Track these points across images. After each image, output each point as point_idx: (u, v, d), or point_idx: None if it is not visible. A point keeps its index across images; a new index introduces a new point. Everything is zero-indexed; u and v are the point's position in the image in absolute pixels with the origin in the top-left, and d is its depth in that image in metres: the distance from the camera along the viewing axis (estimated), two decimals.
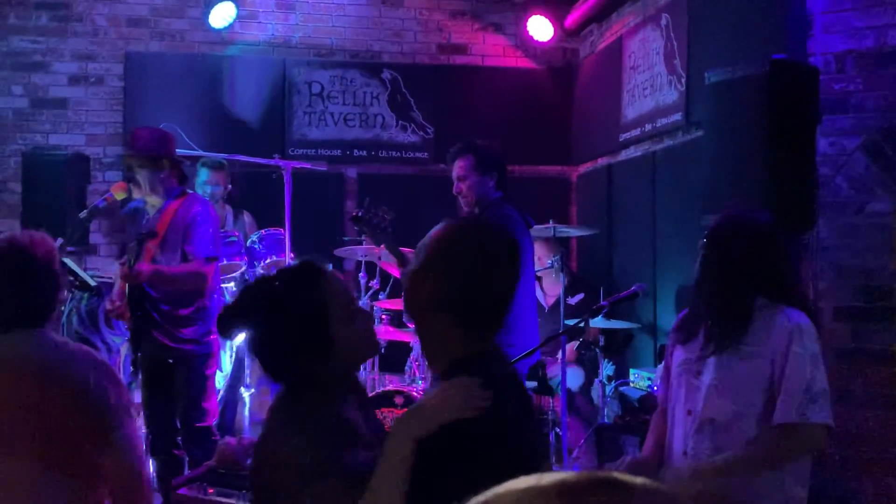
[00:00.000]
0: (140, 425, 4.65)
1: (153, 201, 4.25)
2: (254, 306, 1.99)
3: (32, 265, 2.47)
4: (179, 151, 4.59)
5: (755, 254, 2.60)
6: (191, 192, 4.40)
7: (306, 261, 2.05)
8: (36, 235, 2.55)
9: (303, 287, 1.97)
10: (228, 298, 4.89)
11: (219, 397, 5.05)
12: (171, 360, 4.18)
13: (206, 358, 4.24)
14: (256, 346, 2.02)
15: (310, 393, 1.94)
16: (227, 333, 2.05)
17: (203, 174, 5.55)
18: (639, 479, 0.76)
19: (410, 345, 5.13)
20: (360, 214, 4.04)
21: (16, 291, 2.47)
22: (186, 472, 4.16)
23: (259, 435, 2.03)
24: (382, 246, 4.36)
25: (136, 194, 4.28)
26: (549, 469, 1.82)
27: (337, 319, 1.95)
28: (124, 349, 5.36)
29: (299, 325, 1.93)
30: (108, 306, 4.30)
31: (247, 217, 5.94)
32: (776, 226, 2.72)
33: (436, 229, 1.93)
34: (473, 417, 1.74)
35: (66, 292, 4.54)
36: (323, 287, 1.98)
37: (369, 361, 5.34)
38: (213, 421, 4.28)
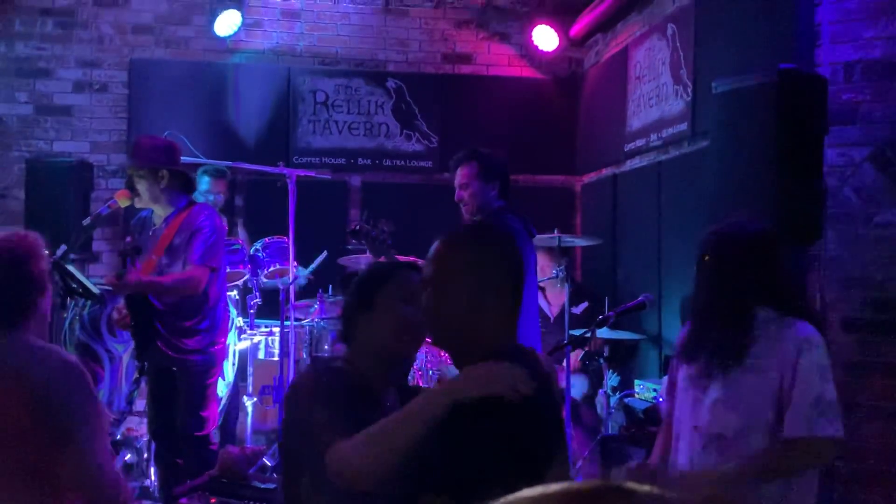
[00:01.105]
0: (139, 432, 4.64)
1: (160, 211, 4.23)
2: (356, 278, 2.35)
3: (6, 265, 2.42)
4: (185, 159, 4.57)
5: (755, 264, 2.57)
6: (198, 202, 4.37)
7: (406, 261, 2.51)
8: (20, 235, 2.50)
9: (379, 268, 2.40)
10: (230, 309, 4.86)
11: (221, 406, 5.02)
12: (174, 369, 4.16)
13: (208, 367, 4.21)
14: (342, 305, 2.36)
15: (349, 360, 2.21)
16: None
17: (203, 183, 5.53)
18: (645, 487, 0.75)
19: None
20: (357, 227, 4.02)
21: None
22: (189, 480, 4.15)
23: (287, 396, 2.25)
24: (382, 259, 4.33)
25: (138, 204, 4.26)
26: (568, 476, 1.85)
27: (381, 303, 2.19)
28: (126, 357, 5.35)
29: (354, 292, 2.26)
30: (115, 315, 4.28)
31: (240, 228, 5.92)
32: (776, 235, 2.69)
33: (441, 246, 1.97)
34: (514, 400, 1.77)
35: (58, 297, 4.49)
36: (389, 274, 2.26)
37: None
38: (212, 429, 4.25)
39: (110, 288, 4.06)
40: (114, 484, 2.42)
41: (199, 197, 5.46)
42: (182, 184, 4.28)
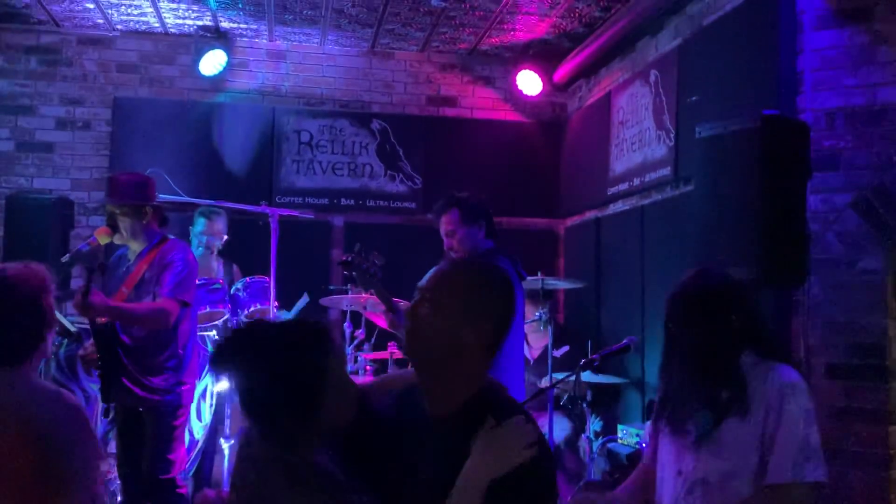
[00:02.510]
0: (112, 474, 4.54)
1: (135, 247, 4.19)
2: (254, 353, 1.95)
3: (12, 301, 2.38)
4: (166, 197, 4.54)
5: (734, 311, 2.55)
6: (171, 237, 4.32)
7: (319, 323, 2.04)
8: (29, 270, 2.46)
9: (309, 350, 1.96)
10: (216, 341, 4.79)
11: (197, 448, 4.93)
12: (140, 409, 4.08)
13: (174, 408, 4.10)
14: (243, 390, 1.97)
15: (284, 440, 1.94)
16: (220, 370, 1.99)
17: (200, 224, 5.49)
18: None
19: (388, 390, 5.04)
20: (348, 259, 4.00)
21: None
22: None
23: (237, 486, 1.99)
24: (371, 293, 4.30)
25: (118, 240, 4.22)
26: None
27: (330, 390, 1.94)
28: (101, 398, 5.25)
29: (294, 386, 1.92)
30: (81, 352, 4.21)
31: (236, 269, 5.87)
32: (739, 280, 2.68)
33: (445, 271, 1.99)
34: (535, 454, 1.82)
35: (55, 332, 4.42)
36: (328, 356, 1.97)
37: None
38: (179, 472, 4.16)
39: (74, 310, 3.97)
40: None
41: (193, 238, 5.43)
42: (160, 220, 4.25)
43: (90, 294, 3.75)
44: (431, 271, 2.01)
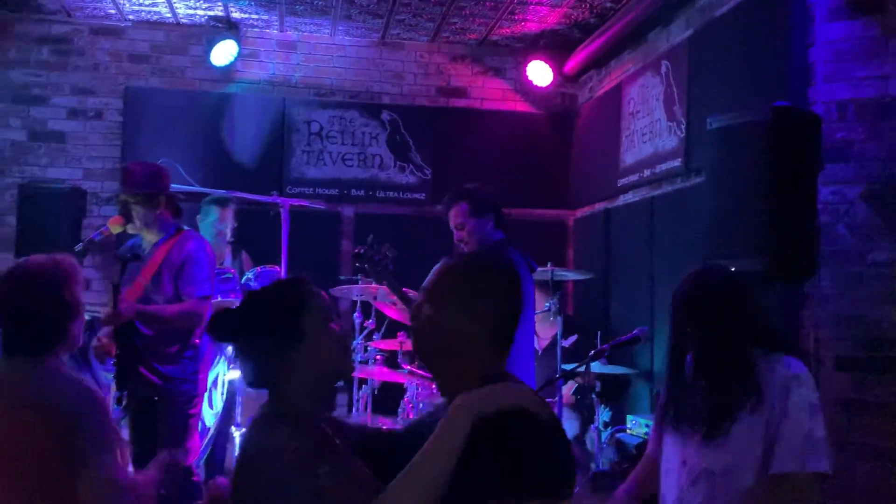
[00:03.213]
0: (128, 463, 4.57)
1: (149, 237, 4.21)
2: (245, 311, 2.05)
3: (35, 292, 2.41)
4: (178, 187, 4.56)
5: (737, 309, 2.57)
6: (186, 228, 4.34)
7: (299, 275, 2.13)
8: (52, 261, 2.50)
9: (285, 285, 2.09)
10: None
11: (209, 436, 4.97)
12: (155, 398, 4.11)
13: (190, 397, 4.14)
14: (239, 353, 2.07)
15: (288, 402, 1.98)
16: (219, 337, 2.09)
17: (213, 212, 5.50)
18: None
19: (404, 386, 5.07)
20: (361, 252, 4.01)
21: (19, 317, 2.41)
22: None
23: (242, 439, 2.04)
24: (383, 284, 4.31)
25: (131, 230, 4.24)
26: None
27: (310, 316, 1.99)
28: (114, 386, 5.29)
29: (272, 325, 1.98)
30: (95, 343, 4.24)
31: (245, 256, 5.91)
32: (740, 275, 2.70)
33: (445, 269, 1.99)
34: (531, 409, 1.79)
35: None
36: (303, 287, 2.04)
37: (362, 400, 5.28)
38: (193, 461, 4.19)
39: (104, 323, 4.02)
40: (131, 497, 2.42)
41: (207, 227, 5.44)
42: (174, 210, 4.27)
43: (118, 304, 3.80)
44: (434, 268, 2.02)
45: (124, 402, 4.23)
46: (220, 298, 5.00)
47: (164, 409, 4.10)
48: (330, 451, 1.87)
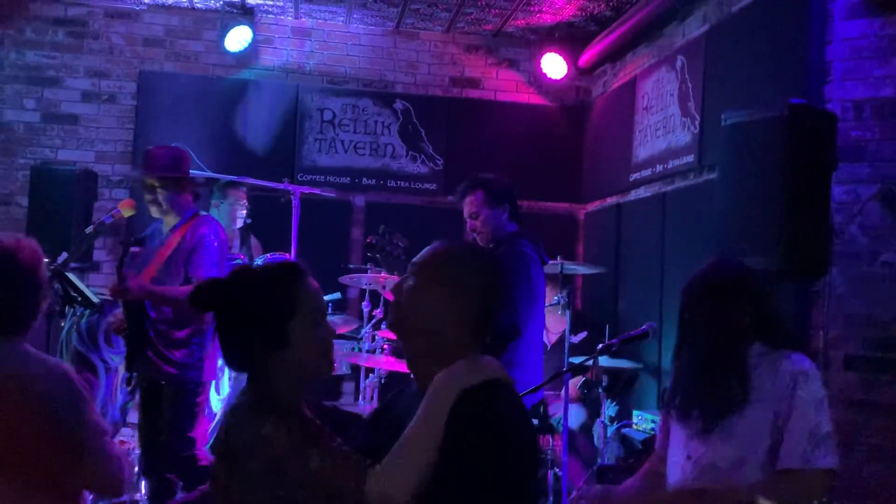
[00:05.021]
0: (135, 444, 4.59)
1: (169, 220, 4.22)
2: (228, 285, 2.01)
3: (14, 272, 2.41)
4: (192, 172, 4.56)
5: (749, 303, 2.56)
6: (203, 213, 4.34)
7: (293, 260, 2.09)
8: (22, 241, 2.48)
9: (277, 279, 2.00)
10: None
11: (215, 421, 4.98)
12: (162, 382, 4.12)
13: (196, 385, 4.13)
14: (220, 328, 2.02)
15: (268, 392, 1.96)
16: (199, 305, 2.01)
17: (230, 196, 5.49)
18: None
19: (411, 376, 5.06)
20: (374, 241, 4.00)
21: (3, 297, 2.40)
22: (178, 496, 4.10)
23: (221, 429, 2.00)
24: (395, 274, 4.30)
25: (156, 214, 4.24)
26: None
27: (299, 319, 1.96)
28: (122, 367, 5.31)
29: (261, 312, 1.95)
30: (111, 319, 4.25)
31: (253, 241, 5.91)
32: (754, 271, 2.68)
33: (436, 249, 2.01)
34: (507, 380, 1.92)
35: (57, 306, 4.47)
36: (297, 285, 2.00)
37: (368, 391, 5.28)
38: (201, 447, 4.19)
39: (110, 296, 4.02)
40: (115, 465, 2.45)
41: (226, 210, 5.43)
42: (194, 194, 4.28)
43: (126, 279, 3.80)
44: (425, 248, 2.03)
45: (133, 384, 4.25)
46: None
47: (170, 395, 4.10)
48: (317, 433, 1.89)
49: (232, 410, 2.00)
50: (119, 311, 4.18)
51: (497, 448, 1.78)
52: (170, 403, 4.11)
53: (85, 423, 2.37)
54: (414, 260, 2.01)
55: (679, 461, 2.60)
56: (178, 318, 4.11)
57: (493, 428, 1.80)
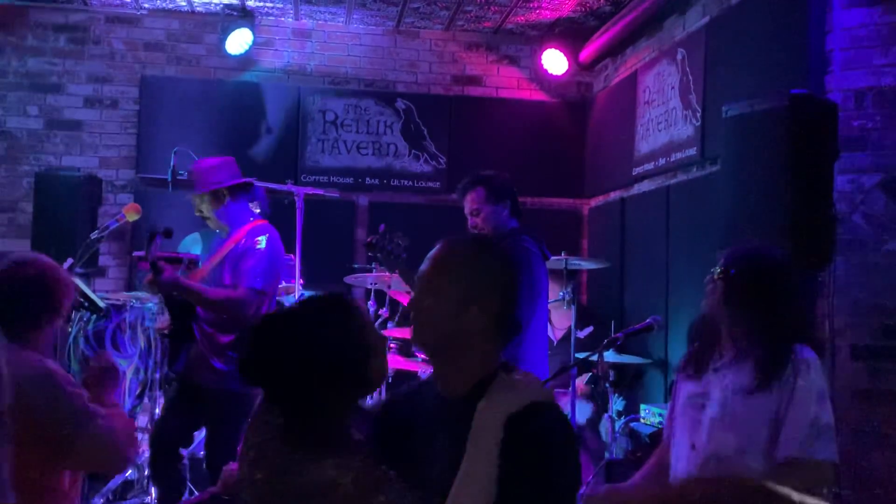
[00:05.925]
0: (144, 448, 4.59)
1: (222, 231, 4.22)
2: (283, 346, 1.93)
3: (16, 283, 2.50)
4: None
5: (784, 293, 2.58)
6: (261, 221, 4.28)
7: (335, 294, 2.03)
8: (33, 255, 2.62)
9: (338, 324, 1.94)
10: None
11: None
12: (202, 386, 4.02)
13: (241, 397, 3.74)
14: (288, 386, 1.94)
15: (321, 417, 1.91)
16: (254, 381, 1.97)
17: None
18: None
19: (418, 374, 5.08)
20: (374, 241, 4.00)
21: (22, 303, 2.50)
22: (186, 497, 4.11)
23: (254, 467, 1.91)
24: (396, 273, 4.31)
25: (213, 227, 4.26)
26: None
27: (373, 353, 1.96)
28: (130, 372, 5.33)
29: (340, 362, 1.91)
30: (159, 325, 4.23)
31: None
32: (791, 262, 2.70)
33: (444, 247, 1.98)
34: (549, 399, 1.87)
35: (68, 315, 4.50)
36: (358, 322, 1.98)
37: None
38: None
39: (145, 288, 4.00)
40: (112, 445, 2.55)
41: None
42: (248, 197, 4.27)
43: (162, 272, 3.79)
44: (429, 255, 1.99)
45: (169, 381, 4.20)
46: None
47: (214, 408, 4.00)
48: (382, 476, 1.83)
49: (259, 446, 1.91)
50: (166, 318, 4.15)
51: (554, 475, 1.78)
52: (214, 415, 4.04)
53: (73, 413, 2.45)
54: (420, 272, 1.97)
55: (684, 451, 2.62)
56: (222, 324, 4.03)
57: (549, 459, 1.79)
